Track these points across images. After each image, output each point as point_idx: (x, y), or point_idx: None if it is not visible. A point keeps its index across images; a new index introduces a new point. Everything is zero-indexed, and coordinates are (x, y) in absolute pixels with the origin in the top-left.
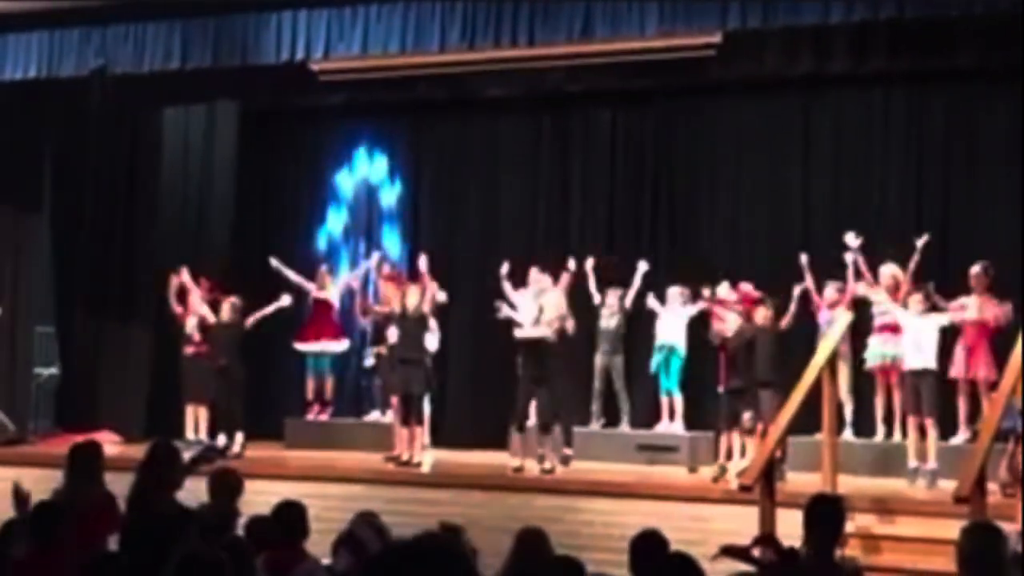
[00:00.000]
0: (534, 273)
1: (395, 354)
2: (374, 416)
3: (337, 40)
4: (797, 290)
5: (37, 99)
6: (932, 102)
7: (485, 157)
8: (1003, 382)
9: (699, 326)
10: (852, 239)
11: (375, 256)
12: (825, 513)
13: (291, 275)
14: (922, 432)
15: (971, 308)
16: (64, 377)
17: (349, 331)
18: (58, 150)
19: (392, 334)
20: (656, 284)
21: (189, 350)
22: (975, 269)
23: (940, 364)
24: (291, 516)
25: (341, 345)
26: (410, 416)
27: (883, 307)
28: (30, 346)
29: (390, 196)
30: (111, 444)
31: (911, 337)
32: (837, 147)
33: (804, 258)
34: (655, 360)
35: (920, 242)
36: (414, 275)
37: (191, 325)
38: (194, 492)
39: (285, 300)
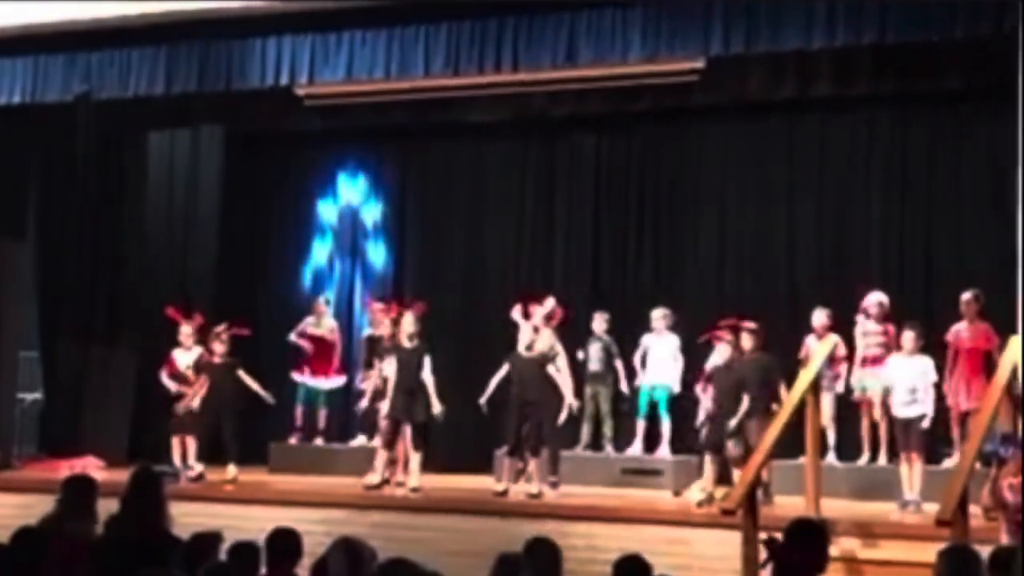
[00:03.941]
0: (536, 309)
1: (393, 383)
2: (359, 441)
3: (322, 65)
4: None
5: (21, 124)
6: (916, 125)
7: (470, 181)
8: (984, 406)
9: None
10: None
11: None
12: (807, 537)
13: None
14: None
15: (963, 336)
16: (48, 402)
17: (347, 365)
18: (43, 175)
19: (388, 362)
20: (642, 309)
21: (183, 388)
22: (965, 296)
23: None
24: (286, 542)
25: (338, 382)
26: (396, 441)
27: (871, 339)
28: (14, 371)
29: (375, 220)
30: (95, 469)
31: (903, 384)
32: (821, 171)
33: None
34: (643, 399)
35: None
36: (401, 300)
37: (185, 363)
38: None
39: (268, 399)
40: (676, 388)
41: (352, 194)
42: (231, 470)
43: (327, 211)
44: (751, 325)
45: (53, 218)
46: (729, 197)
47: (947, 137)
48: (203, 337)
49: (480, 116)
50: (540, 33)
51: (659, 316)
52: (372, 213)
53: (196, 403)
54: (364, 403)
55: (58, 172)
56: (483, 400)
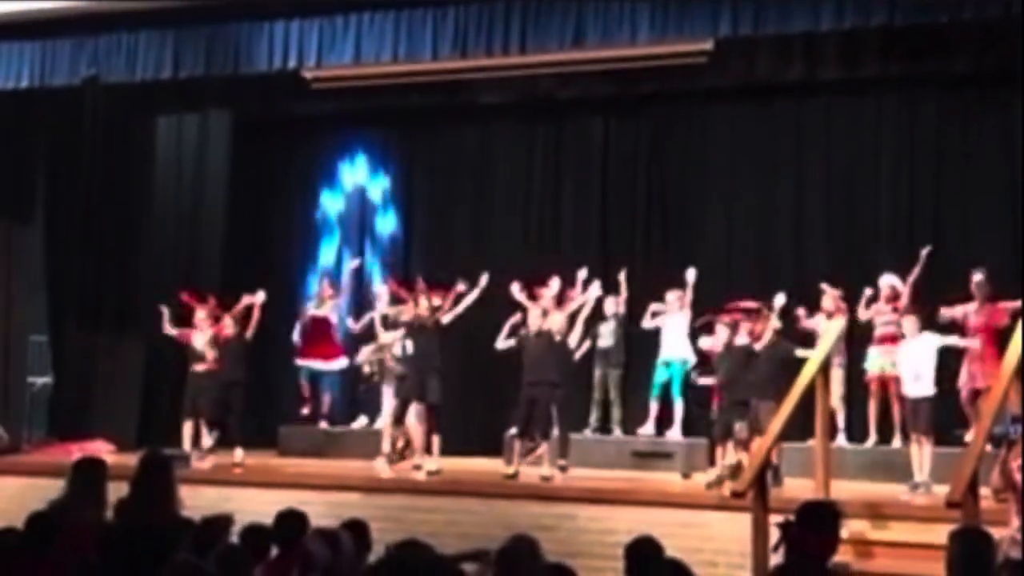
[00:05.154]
0: (543, 292)
1: (409, 363)
2: (361, 422)
3: (329, 48)
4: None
5: (29, 109)
6: (924, 107)
7: (478, 164)
8: (995, 387)
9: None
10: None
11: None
12: (819, 520)
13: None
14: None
15: (974, 315)
16: (58, 386)
17: (348, 347)
18: (51, 159)
19: (399, 343)
20: (649, 291)
21: (200, 367)
22: (977, 277)
23: (940, 381)
24: (291, 524)
25: (340, 364)
26: (403, 419)
27: (885, 318)
28: (24, 355)
29: (383, 203)
30: (104, 453)
31: (909, 362)
32: (829, 153)
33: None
34: (660, 375)
35: (923, 252)
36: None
37: (202, 342)
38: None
39: (260, 296)
40: (692, 360)
41: (360, 177)
42: (238, 453)
43: (335, 194)
44: (749, 306)
45: (61, 202)
46: (737, 179)
47: (955, 119)
48: (217, 320)
49: (488, 98)
50: (548, 15)
51: (674, 297)
52: (380, 195)
53: (203, 366)
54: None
55: (66, 157)
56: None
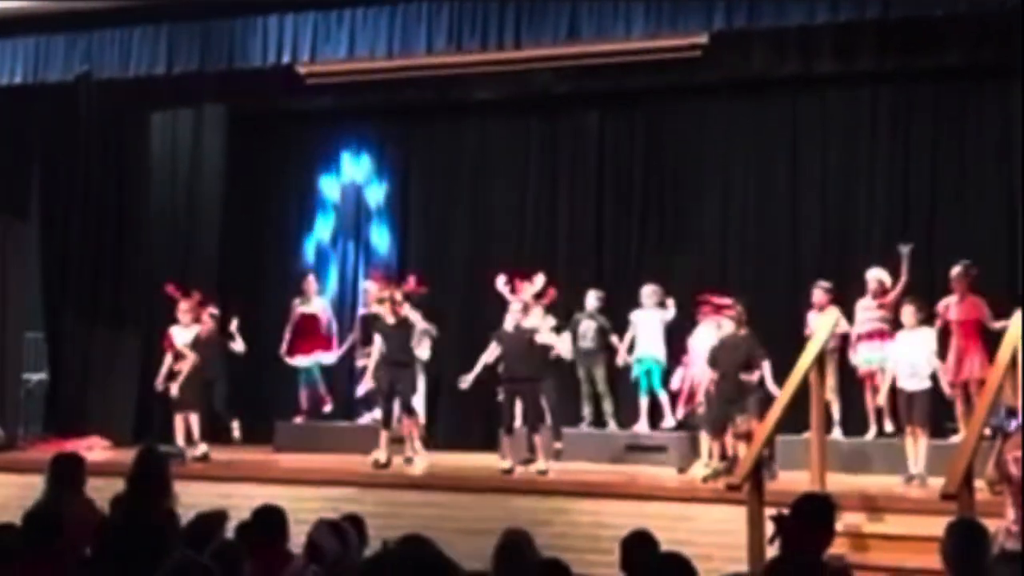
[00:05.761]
0: (524, 286)
1: (379, 359)
2: (368, 418)
3: (324, 43)
4: None
5: (24, 105)
6: (919, 101)
7: (473, 159)
8: (989, 379)
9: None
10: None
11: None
12: (815, 512)
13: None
14: (914, 438)
15: (953, 309)
16: (53, 383)
17: (342, 342)
18: (45, 155)
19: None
20: (642, 285)
21: (184, 366)
22: (955, 270)
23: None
24: (270, 520)
25: (331, 356)
26: (391, 419)
27: (870, 314)
28: (19, 352)
29: (378, 198)
30: (100, 450)
31: (905, 356)
32: (824, 146)
33: None
34: (635, 372)
35: (905, 250)
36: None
37: (183, 341)
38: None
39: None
40: (663, 361)
41: (355, 172)
42: (235, 430)
43: (330, 189)
44: (726, 300)
45: (56, 198)
46: (732, 173)
47: (950, 113)
48: (199, 315)
49: (482, 93)
50: (542, 9)
51: (649, 293)
52: (375, 191)
53: (182, 378)
54: (365, 381)
55: (61, 152)
56: (468, 378)
